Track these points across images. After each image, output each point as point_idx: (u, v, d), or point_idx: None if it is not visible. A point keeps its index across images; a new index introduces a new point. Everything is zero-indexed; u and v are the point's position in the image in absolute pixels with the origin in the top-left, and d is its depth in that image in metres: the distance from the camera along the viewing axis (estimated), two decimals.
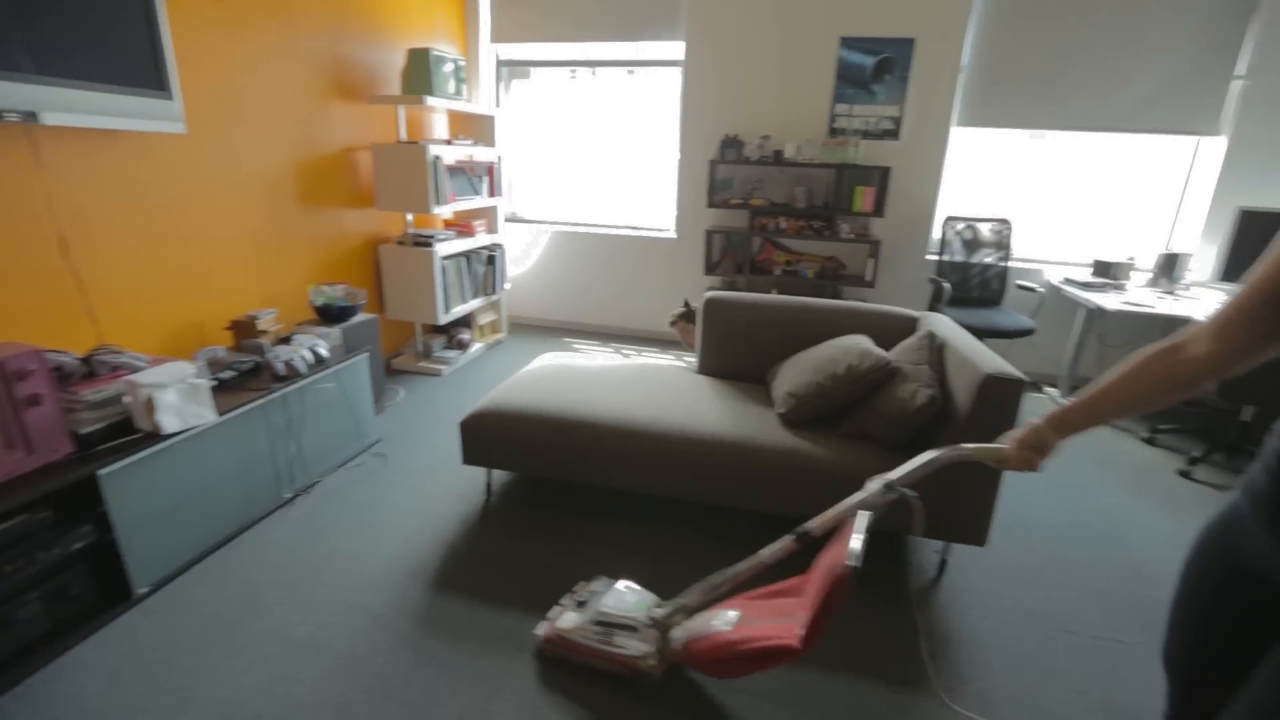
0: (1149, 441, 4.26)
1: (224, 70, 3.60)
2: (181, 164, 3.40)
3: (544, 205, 6.11)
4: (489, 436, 2.98)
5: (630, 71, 5.68)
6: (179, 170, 3.39)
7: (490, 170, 5.36)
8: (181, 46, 3.36)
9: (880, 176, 5.02)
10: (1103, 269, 4.81)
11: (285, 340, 3.55)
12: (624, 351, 5.53)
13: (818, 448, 2.61)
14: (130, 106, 2.95)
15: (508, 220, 6.18)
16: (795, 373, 2.86)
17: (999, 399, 2.32)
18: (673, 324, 3.58)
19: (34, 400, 2.39)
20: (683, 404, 2.89)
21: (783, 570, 2.72)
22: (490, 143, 5.48)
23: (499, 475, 3.47)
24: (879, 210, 5.04)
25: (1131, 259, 4.82)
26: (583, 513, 3.13)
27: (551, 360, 3.48)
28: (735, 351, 3.22)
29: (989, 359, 2.42)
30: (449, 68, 4.89)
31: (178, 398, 2.76)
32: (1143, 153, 4.95)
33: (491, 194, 5.40)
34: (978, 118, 5.02)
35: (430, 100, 4.60)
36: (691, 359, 5.38)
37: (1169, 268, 4.64)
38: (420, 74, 4.72)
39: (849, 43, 5.09)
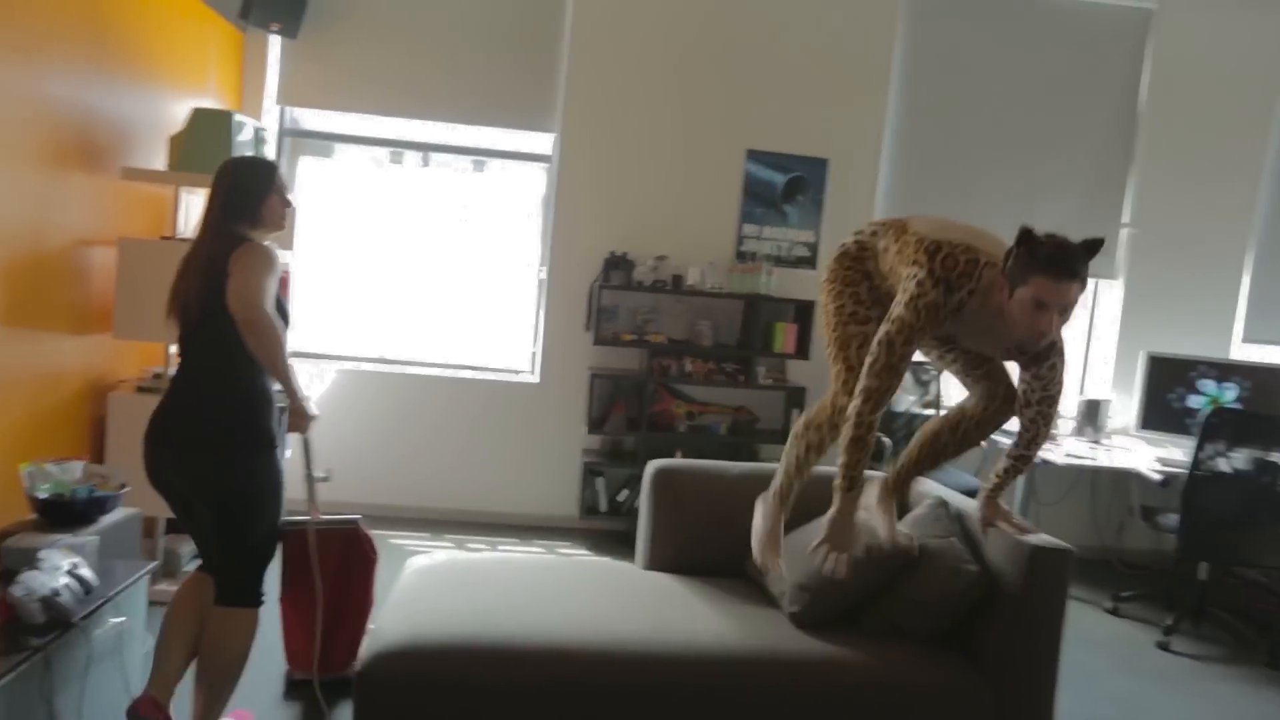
0: (1113, 612, 3.89)
1: None
2: None
3: (337, 334, 4.46)
4: (411, 699, 1.93)
5: (478, 163, 4.43)
6: None
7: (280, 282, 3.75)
8: None
9: (798, 311, 4.27)
10: None
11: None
12: (471, 546, 4.07)
13: (854, 653, 2.20)
14: None
15: (291, 356, 4.33)
16: (797, 560, 2.42)
17: (1048, 574, 2.15)
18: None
19: None
20: (664, 612, 2.30)
21: None
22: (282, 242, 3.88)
23: None
24: (803, 351, 4.25)
25: None
26: None
27: (436, 566, 2.45)
28: (699, 537, 2.70)
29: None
30: (246, 134, 3.33)
31: None
32: None
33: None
34: None
35: None
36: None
37: (1093, 415, 4.38)
38: (209, 143, 3.17)
39: (756, 156, 4.35)
